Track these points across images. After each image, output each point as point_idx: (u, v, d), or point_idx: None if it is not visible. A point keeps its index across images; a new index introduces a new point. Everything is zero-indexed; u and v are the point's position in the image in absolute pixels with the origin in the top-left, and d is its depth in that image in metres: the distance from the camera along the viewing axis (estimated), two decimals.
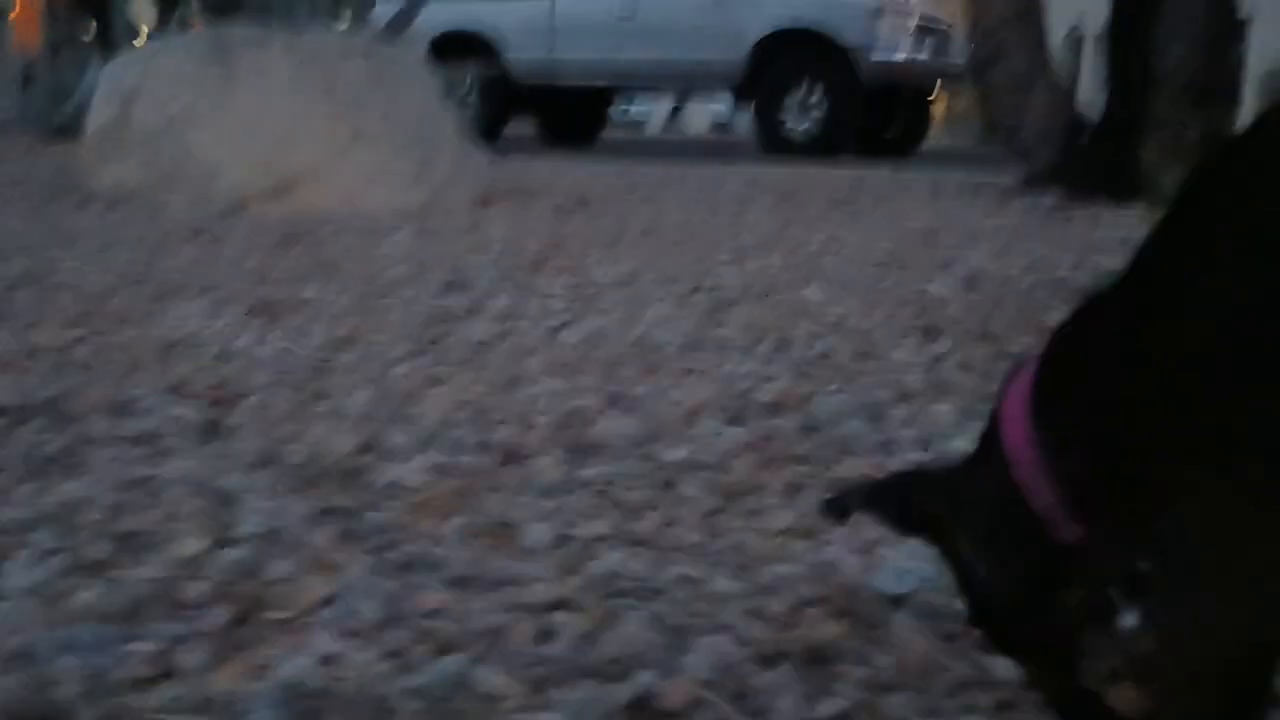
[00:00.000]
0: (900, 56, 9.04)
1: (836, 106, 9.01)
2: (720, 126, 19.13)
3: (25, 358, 1.99)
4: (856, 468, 1.54)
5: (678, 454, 1.59)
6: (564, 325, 2.34)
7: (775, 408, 1.80)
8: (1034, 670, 0.82)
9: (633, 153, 9.36)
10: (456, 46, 10.06)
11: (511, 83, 10.20)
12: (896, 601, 1.16)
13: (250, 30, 4.54)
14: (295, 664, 1.00)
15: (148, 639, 1.04)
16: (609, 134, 12.14)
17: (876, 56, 8.93)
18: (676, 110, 20.63)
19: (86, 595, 1.10)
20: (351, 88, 4.31)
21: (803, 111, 9.18)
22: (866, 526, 1.32)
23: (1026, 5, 5.19)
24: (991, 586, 0.78)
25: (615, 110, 18.63)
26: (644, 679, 1.00)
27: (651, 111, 20.63)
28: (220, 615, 1.09)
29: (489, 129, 9.98)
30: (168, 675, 0.99)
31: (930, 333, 2.31)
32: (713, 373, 2.01)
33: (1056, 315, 2.27)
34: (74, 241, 3.30)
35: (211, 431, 1.62)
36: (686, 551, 1.28)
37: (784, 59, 9.15)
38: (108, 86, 4.49)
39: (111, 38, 7.19)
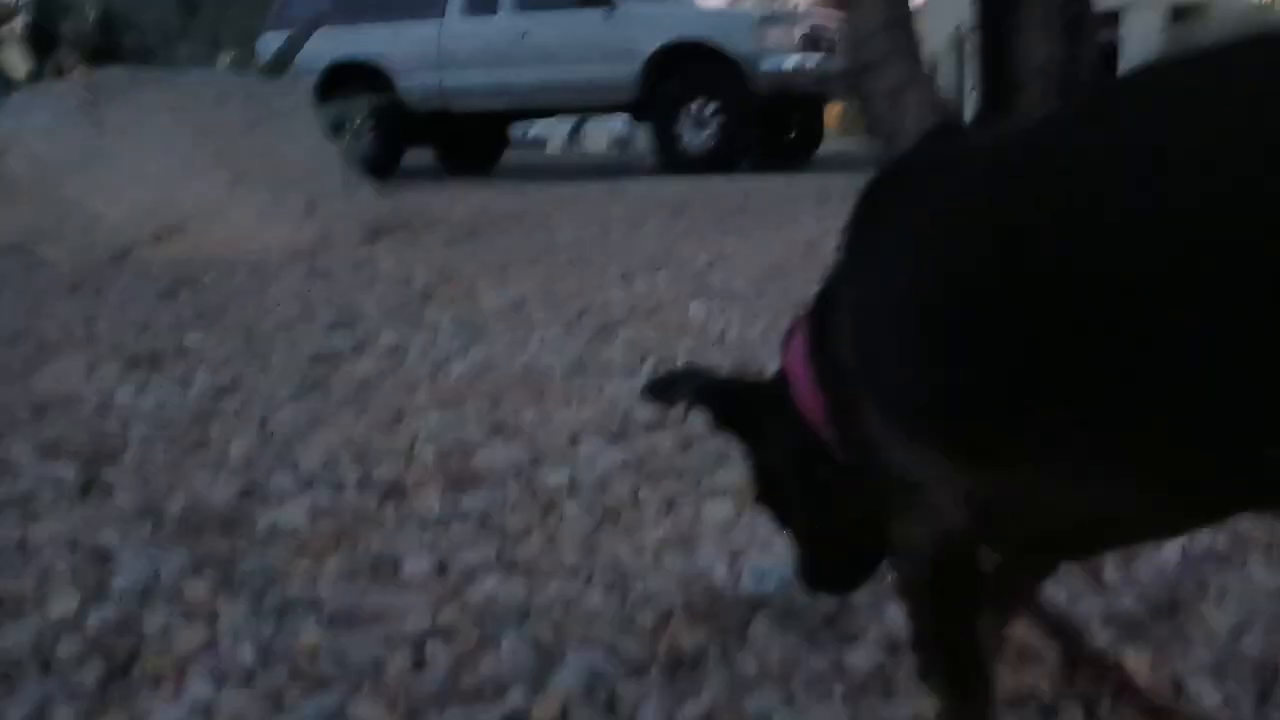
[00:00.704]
0: (789, 66, 9.18)
1: (730, 119, 9.11)
2: (621, 144, 19.26)
3: None
4: (730, 479, 1.59)
5: (559, 478, 1.62)
6: (450, 357, 2.36)
7: (654, 426, 1.84)
8: (795, 527, 1.04)
9: (532, 175, 9.41)
10: (347, 78, 9.99)
11: (406, 112, 10.15)
12: (759, 605, 1.20)
13: (124, 75, 4.49)
14: (170, 714, 1.02)
15: (18, 702, 1.04)
16: (509, 156, 12.15)
17: (766, 67, 9.06)
18: (577, 129, 20.71)
19: None
20: (231, 128, 4.28)
21: (698, 126, 9.28)
22: (736, 533, 1.39)
23: (898, 13, 5.33)
24: (772, 470, 1.01)
25: (515, 132, 18.64)
26: (515, 698, 1.03)
27: (551, 132, 20.68)
28: (94, 671, 1.10)
29: (385, 160, 9.94)
30: None
31: None
32: (595, 395, 2.05)
33: None
34: None
35: (88, 489, 1.61)
36: (564, 572, 1.31)
37: (676, 74, 9.25)
38: None
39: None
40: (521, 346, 2.44)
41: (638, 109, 9.81)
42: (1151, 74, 0.65)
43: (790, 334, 0.95)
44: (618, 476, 1.62)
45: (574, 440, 1.78)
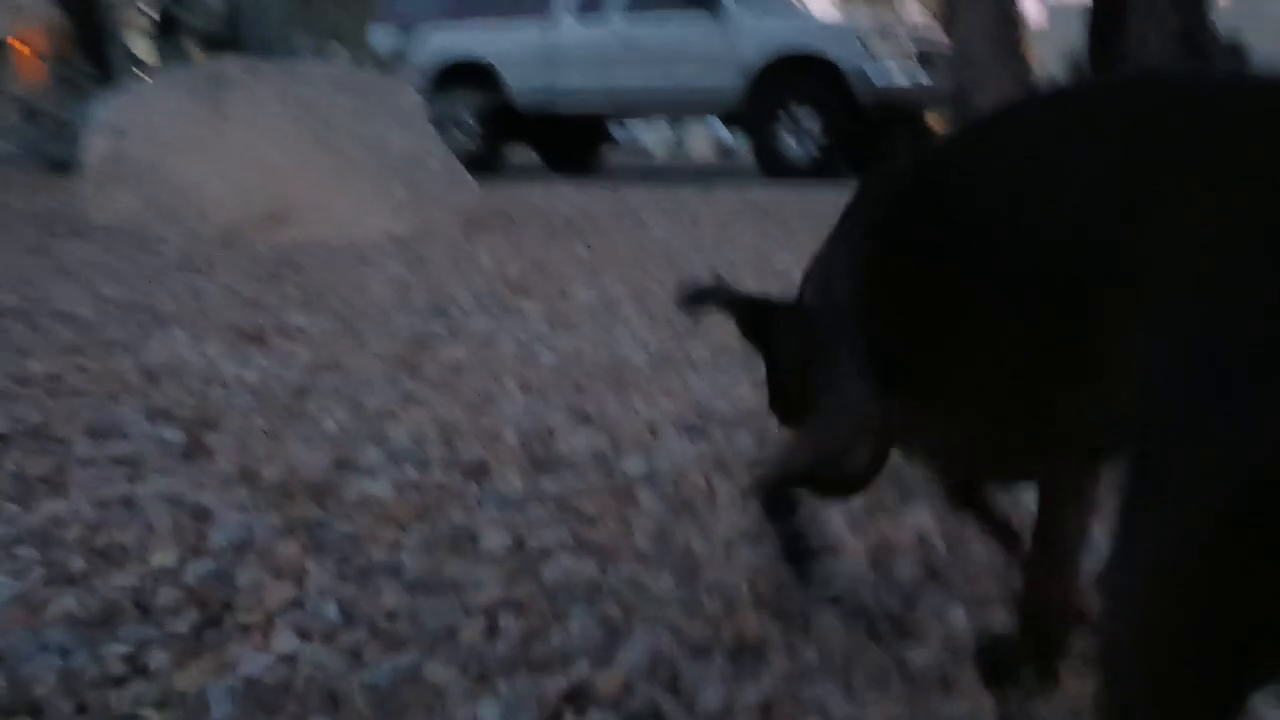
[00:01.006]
0: (898, 80, 9.09)
1: (833, 129, 9.07)
2: (724, 149, 19.22)
3: (17, 385, 2.07)
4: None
5: (637, 466, 1.66)
6: (539, 347, 2.42)
7: (734, 421, 1.87)
8: (795, 421, 1.22)
9: (632, 177, 9.45)
10: (459, 76, 10.19)
11: (512, 111, 10.30)
12: (825, 600, 1.22)
13: (242, 64, 4.65)
14: (257, 662, 1.08)
15: (120, 642, 1.11)
16: (611, 158, 12.24)
17: (874, 79, 8.99)
18: (681, 133, 20.72)
19: (66, 603, 1.17)
20: (341, 119, 4.40)
21: (800, 135, 9.25)
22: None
23: (1007, 35, 5.27)
24: (782, 376, 1.22)
25: (619, 133, 18.72)
26: (581, 669, 1.07)
27: (655, 136, 20.75)
28: (189, 619, 1.16)
29: (490, 156, 10.10)
30: (138, 674, 1.06)
31: None
32: (678, 389, 2.08)
33: None
34: (70, 273, 3.39)
35: (191, 452, 1.69)
36: (635, 557, 1.35)
37: (782, 82, 9.23)
38: (103, 121, 4.59)
39: (110, 72, 7.29)
40: (609, 339, 2.49)
41: (741, 116, 9.81)
42: (1008, 115, 0.83)
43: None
44: (694, 468, 1.65)
45: (654, 431, 1.82)
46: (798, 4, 10.08)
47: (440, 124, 9.27)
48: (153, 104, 4.55)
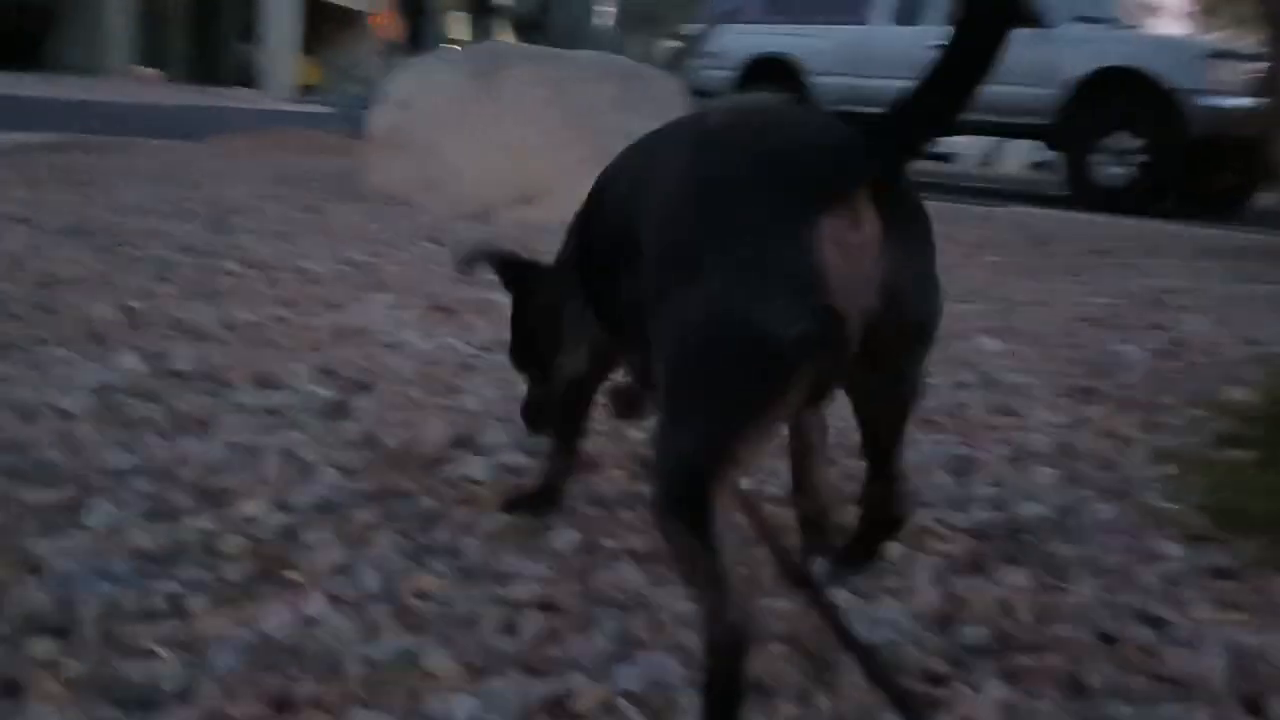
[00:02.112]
0: (1232, 105, 8.32)
1: (1155, 155, 8.42)
2: (1037, 166, 18.35)
3: (223, 329, 2.24)
4: (918, 518, 1.53)
5: (743, 483, 1.62)
6: None
7: (842, 446, 1.79)
8: (532, 384, 1.54)
9: (929, 189, 9.20)
10: (763, 73, 10.24)
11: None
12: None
13: (521, 48, 4.83)
14: (279, 620, 1.12)
15: (173, 580, 1.19)
16: (914, 168, 11.94)
17: (1205, 103, 8.26)
18: (992, 148, 19.95)
19: (141, 536, 1.26)
20: (600, 107, 4.51)
21: (1117, 159, 8.68)
22: (867, 578, 1.33)
23: None
24: (526, 323, 1.49)
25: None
26: (574, 681, 1.06)
27: (965, 146, 20.11)
28: (243, 569, 1.23)
29: None
30: (174, 614, 1.13)
31: (1090, 395, 2.22)
32: (830, 412, 2.01)
33: (1241, 393, 2.14)
34: (328, 233, 3.64)
35: (334, 412, 1.78)
36: None
37: (1103, 101, 8.68)
38: (391, 94, 4.89)
39: (422, 45, 7.73)
40: None
41: (1053, 135, 9.33)
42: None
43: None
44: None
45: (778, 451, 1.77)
46: (1125, 18, 9.44)
47: None
48: (434, 80, 4.81)
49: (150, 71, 23.81)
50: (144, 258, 2.90)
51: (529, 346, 1.50)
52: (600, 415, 1.79)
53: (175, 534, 1.28)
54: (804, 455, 1.41)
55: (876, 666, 1.04)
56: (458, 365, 2.12)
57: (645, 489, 1.55)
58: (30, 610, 1.09)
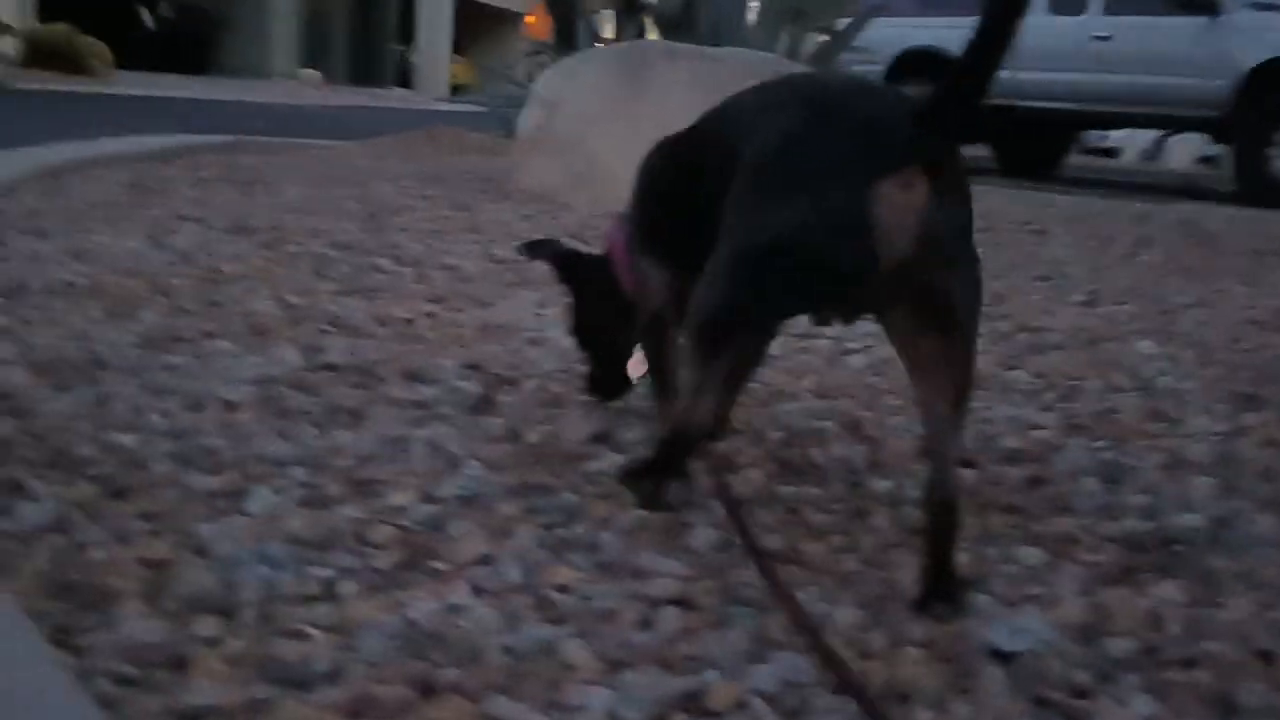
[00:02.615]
0: None
1: None
2: (1204, 161, 17.55)
3: (375, 324, 2.32)
4: (1064, 527, 1.49)
5: (885, 485, 1.60)
6: (851, 350, 2.37)
7: (1014, 455, 1.76)
8: (594, 361, 1.77)
9: (1087, 186, 8.93)
10: (914, 67, 10.07)
11: None
12: (1004, 659, 1.13)
13: (667, 46, 4.86)
14: (424, 608, 1.16)
15: (326, 567, 1.24)
16: (1078, 162, 11.60)
17: None
18: (1158, 141, 19.14)
19: (297, 523, 1.32)
20: None
21: None
22: (1020, 585, 1.31)
23: None
24: (586, 310, 1.74)
25: (1091, 135, 17.63)
26: (707, 678, 1.07)
27: (1129, 141, 19.38)
28: (391, 557, 1.27)
29: None
30: (327, 598, 1.18)
31: (1251, 402, 2.12)
32: (977, 412, 1.97)
33: None
34: (475, 231, 3.73)
35: (480, 406, 1.83)
36: (832, 580, 1.31)
37: (1276, 92, 8.24)
38: (539, 93, 4.98)
39: (573, 44, 7.81)
40: None
41: (1222, 128, 8.92)
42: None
43: (612, 228, 1.71)
44: None
45: (921, 454, 1.74)
46: None
47: None
48: (581, 80, 4.87)
49: (312, 73, 24.71)
50: (303, 254, 3.02)
51: (588, 326, 1.74)
52: (740, 414, 1.80)
53: (328, 521, 1.34)
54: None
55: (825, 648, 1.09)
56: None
57: (783, 489, 1.56)
58: (196, 590, 1.15)
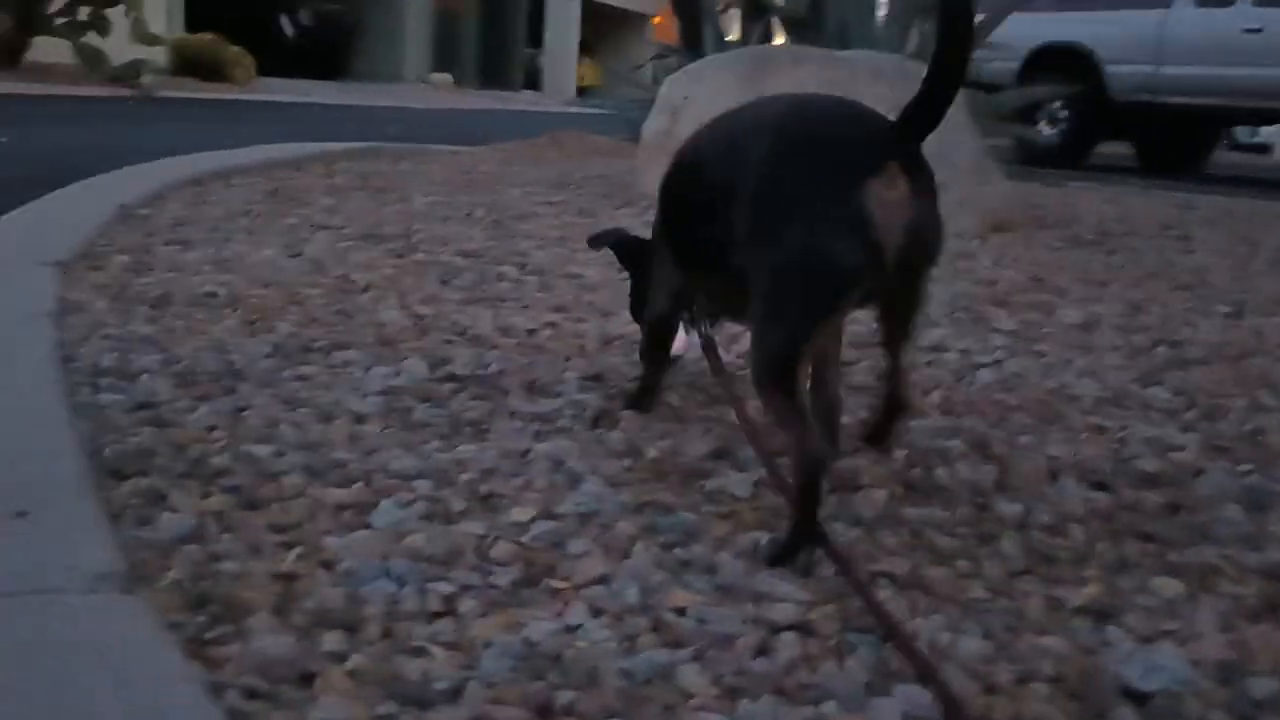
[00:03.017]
0: None
1: None
2: None
3: (499, 334, 2.35)
4: (1205, 557, 1.43)
5: (1014, 509, 1.56)
6: (985, 365, 2.32)
7: (1152, 479, 1.69)
8: (651, 337, 1.88)
9: (1236, 182, 8.58)
10: (1050, 63, 9.81)
11: (1106, 100, 9.71)
12: (1138, 699, 1.09)
13: (790, 49, 4.82)
14: (543, 628, 1.17)
15: (448, 583, 1.26)
16: (1224, 158, 11.15)
17: None
18: None
19: (419, 539, 1.34)
20: (874, 108, 4.43)
21: None
22: (1163, 618, 1.26)
23: None
24: (641, 287, 1.90)
25: (1240, 134, 16.92)
26: (826, 709, 1.05)
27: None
28: (511, 575, 1.29)
29: (1075, 149, 9.64)
30: (448, 615, 1.20)
31: None
32: (1113, 434, 1.91)
33: None
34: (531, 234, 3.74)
35: (601, 419, 1.83)
36: (960, 606, 1.28)
37: None
38: (664, 97, 4.98)
39: (699, 47, 7.79)
40: (1067, 367, 2.33)
41: None
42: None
43: None
44: (1078, 522, 1.52)
45: (1053, 475, 1.69)
46: None
47: (1023, 113, 9.04)
48: (707, 83, 4.86)
49: (443, 77, 25.21)
50: (431, 263, 3.08)
51: (642, 304, 1.91)
52: (855, 430, 1.77)
53: (451, 537, 1.36)
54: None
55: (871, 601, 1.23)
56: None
57: (908, 511, 1.53)
58: (323, 605, 1.18)
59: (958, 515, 1.54)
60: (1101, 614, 1.27)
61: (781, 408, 1.39)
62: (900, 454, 1.75)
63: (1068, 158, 9.56)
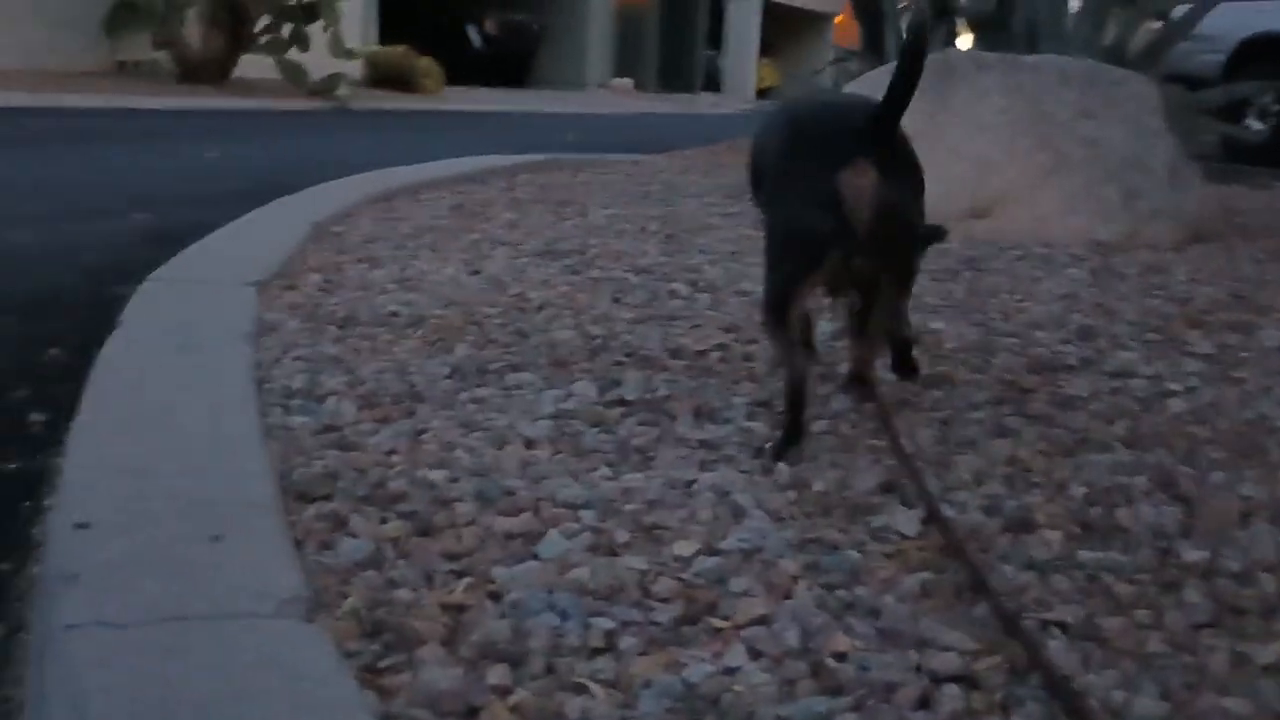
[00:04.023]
0: None
1: None
2: None
3: (668, 356, 2.37)
4: None
5: (1199, 554, 1.49)
6: (1179, 392, 2.21)
7: None
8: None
9: None
10: (1263, 54, 9.27)
11: None
12: None
13: (973, 55, 4.70)
14: (702, 669, 1.18)
15: (609, 617, 1.28)
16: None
17: None
18: None
19: (583, 571, 1.37)
20: (1062, 114, 4.29)
21: None
22: None
23: None
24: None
25: None
26: None
27: None
28: (672, 612, 1.30)
29: None
30: (608, 651, 1.22)
31: None
32: None
33: None
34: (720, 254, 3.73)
35: (765, 449, 1.83)
36: (1136, 659, 1.23)
37: None
38: None
39: (880, 50, 7.66)
40: (1266, 396, 2.20)
41: None
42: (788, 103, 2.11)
43: None
44: (1270, 571, 1.44)
45: (1245, 517, 1.61)
46: None
47: (1231, 109, 8.56)
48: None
49: (624, 82, 25.53)
50: (604, 279, 3.13)
51: None
52: (1038, 464, 1.71)
53: (614, 570, 1.38)
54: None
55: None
56: (894, 401, 2.11)
57: (1083, 554, 1.48)
58: (489, 637, 1.22)
59: (1138, 560, 1.48)
60: (1267, 670, 1.21)
61: (775, 338, 1.88)
62: (1079, 491, 1.69)
63: (1275, 158, 9.01)
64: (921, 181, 1.84)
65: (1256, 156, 9.09)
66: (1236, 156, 9.10)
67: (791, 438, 1.80)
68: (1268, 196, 6.13)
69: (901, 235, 1.81)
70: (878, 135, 1.75)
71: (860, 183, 1.72)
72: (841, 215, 1.72)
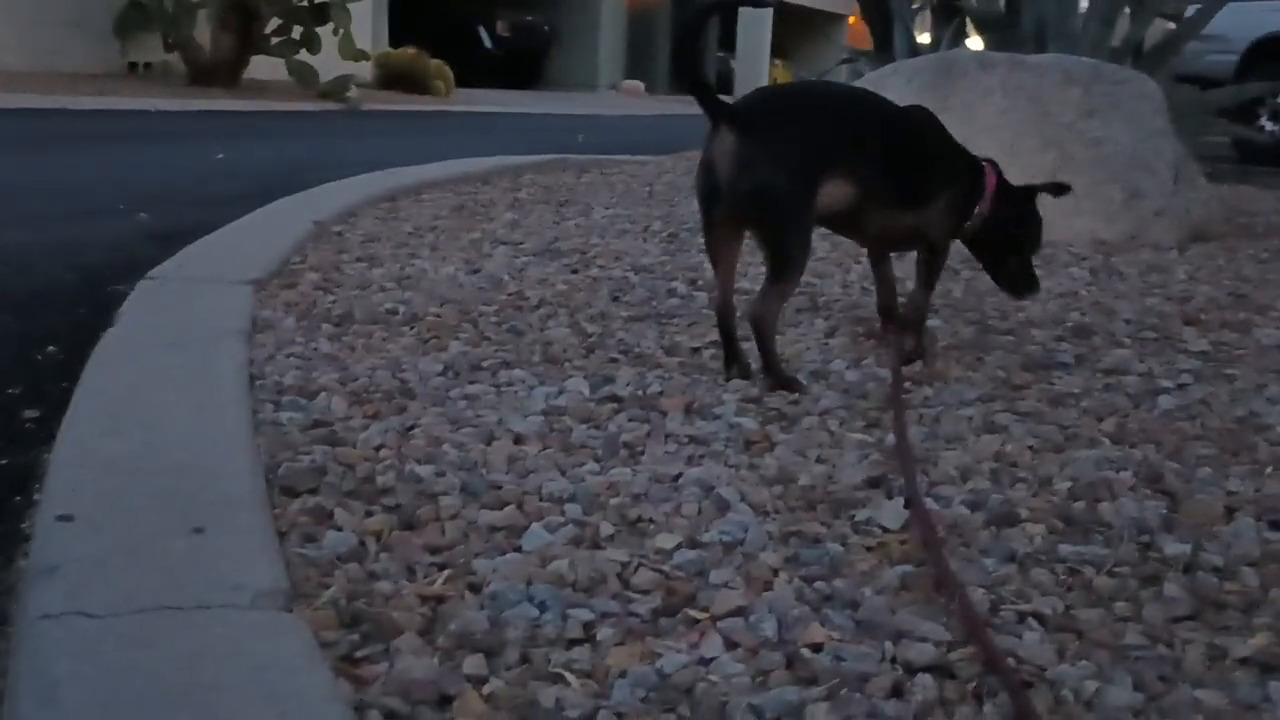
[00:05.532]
0: None
1: None
2: None
3: (663, 353, 2.38)
4: None
5: (1180, 548, 1.49)
6: (1171, 389, 2.21)
7: None
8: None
9: None
10: (1274, 53, 9.23)
11: None
12: None
13: (975, 54, 4.70)
14: (676, 660, 1.19)
15: (588, 609, 1.28)
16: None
17: None
18: None
19: (562, 564, 1.38)
20: (1065, 114, 4.28)
21: None
22: None
23: None
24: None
25: None
26: None
27: None
28: (651, 603, 1.30)
29: None
30: (586, 642, 1.22)
31: None
32: None
33: None
34: None
35: (751, 445, 1.84)
36: (1112, 651, 1.23)
37: None
38: None
39: (889, 50, 7.64)
40: (1258, 393, 2.20)
41: None
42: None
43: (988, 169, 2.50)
44: (1252, 565, 1.44)
45: (1229, 512, 1.61)
46: None
47: (1242, 109, 8.53)
48: (889, 91, 4.77)
49: (634, 84, 25.55)
50: (604, 278, 3.14)
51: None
52: (1024, 459, 1.71)
53: (595, 562, 1.38)
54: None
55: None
56: (881, 397, 2.11)
57: (1064, 548, 1.48)
58: (466, 627, 1.23)
59: (1120, 554, 1.48)
60: (1268, 667, 1.21)
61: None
62: (1064, 486, 1.69)
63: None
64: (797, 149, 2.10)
65: (1268, 157, 9.05)
66: (1249, 157, 9.06)
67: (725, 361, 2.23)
68: (1275, 197, 6.10)
69: (759, 196, 2.08)
70: (730, 107, 2.11)
71: (720, 146, 2.07)
72: (710, 172, 2.09)
